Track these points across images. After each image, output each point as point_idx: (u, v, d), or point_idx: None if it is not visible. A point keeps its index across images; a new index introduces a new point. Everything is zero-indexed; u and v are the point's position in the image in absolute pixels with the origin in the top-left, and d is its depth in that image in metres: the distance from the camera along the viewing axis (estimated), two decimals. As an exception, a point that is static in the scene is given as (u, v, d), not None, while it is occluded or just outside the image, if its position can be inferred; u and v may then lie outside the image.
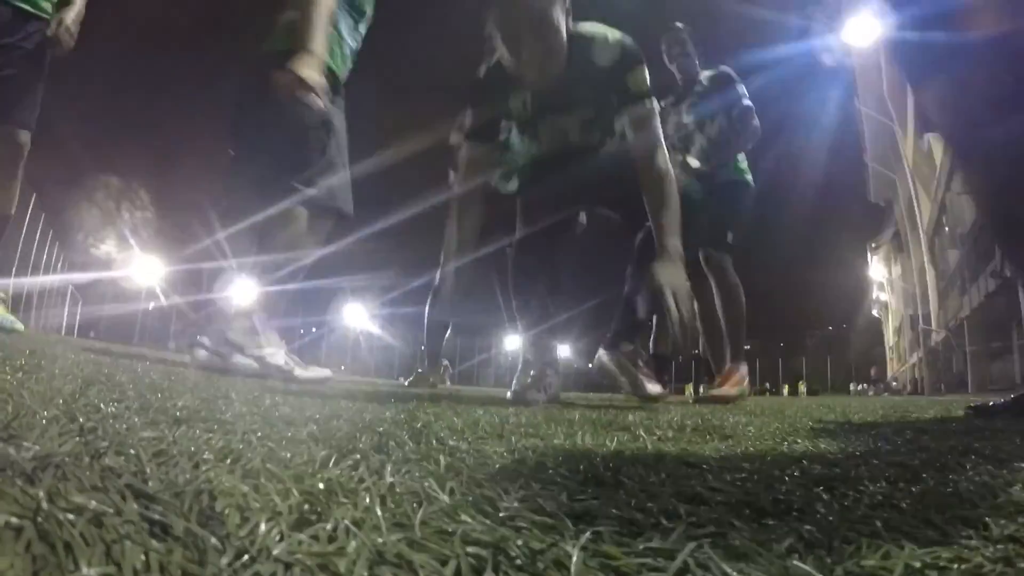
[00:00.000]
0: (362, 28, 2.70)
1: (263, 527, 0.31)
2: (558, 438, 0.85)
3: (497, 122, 2.42)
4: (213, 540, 0.29)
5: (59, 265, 20.22)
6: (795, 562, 0.31)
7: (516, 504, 0.40)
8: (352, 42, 2.64)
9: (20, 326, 3.18)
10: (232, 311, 2.54)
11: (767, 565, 0.31)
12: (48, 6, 2.61)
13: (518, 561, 0.30)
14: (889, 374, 32.46)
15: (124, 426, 0.58)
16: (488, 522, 0.36)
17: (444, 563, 0.29)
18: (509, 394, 2.28)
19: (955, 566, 0.32)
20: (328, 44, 2.36)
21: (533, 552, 0.31)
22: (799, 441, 0.91)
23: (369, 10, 2.69)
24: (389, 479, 0.45)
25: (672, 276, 1.89)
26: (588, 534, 0.34)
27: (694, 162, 3.46)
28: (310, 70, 2.20)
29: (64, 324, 18.64)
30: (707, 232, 3.19)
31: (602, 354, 2.41)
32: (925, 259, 22.38)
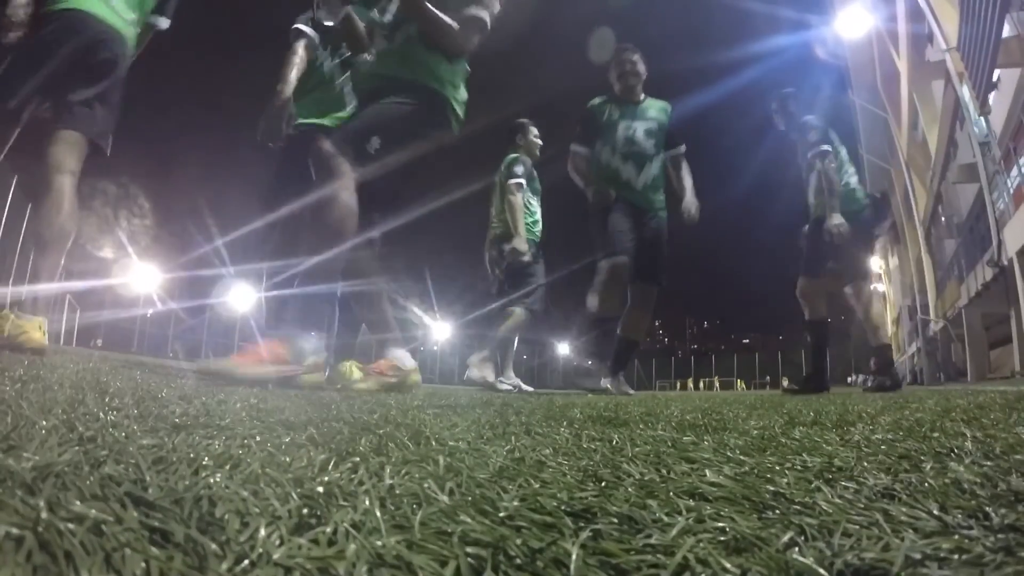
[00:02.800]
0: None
1: (263, 532, 0.31)
2: (557, 435, 0.85)
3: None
4: (213, 546, 0.29)
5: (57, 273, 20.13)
6: (795, 556, 0.31)
7: (515, 503, 0.41)
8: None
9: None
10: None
11: (767, 559, 0.31)
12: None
13: (517, 560, 0.30)
14: (888, 365, 32.46)
15: (123, 434, 0.58)
16: (487, 522, 0.36)
17: (443, 564, 0.29)
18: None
19: (956, 556, 0.32)
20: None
21: (532, 551, 0.31)
22: (798, 434, 0.91)
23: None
24: (388, 481, 0.45)
25: None
26: (587, 532, 0.34)
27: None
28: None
29: (63, 332, 18.61)
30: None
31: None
32: (922, 249, 22.44)
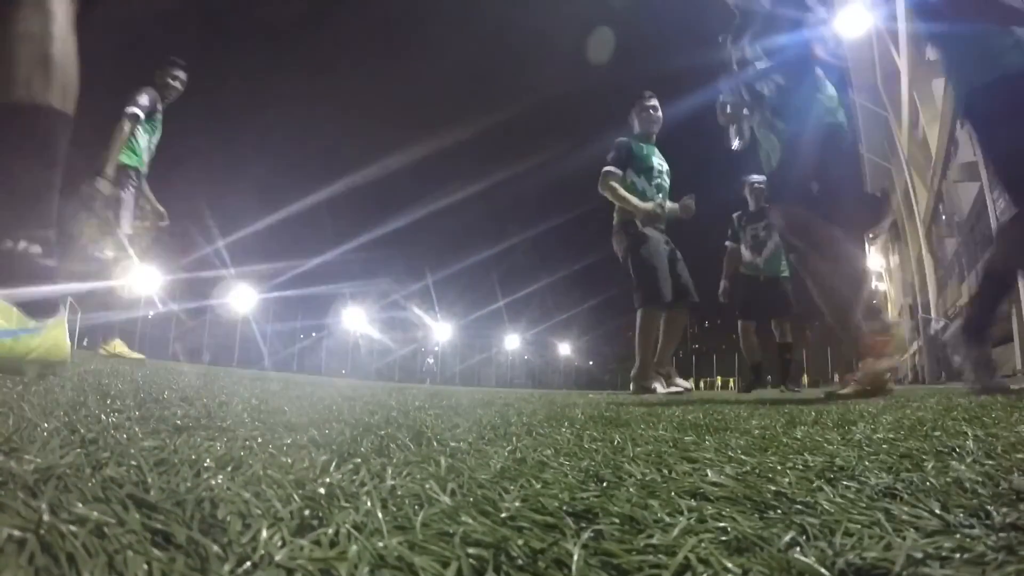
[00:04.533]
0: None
1: (265, 533, 0.31)
2: (559, 436, 0.85)
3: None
4: (215, 548, 0.29)
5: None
6: (797, 555, 0.31)
7: (517, 504, 0.41)
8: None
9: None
10: None
11: (769, 559, 0.31)
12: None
13: (519, 561, 0.30)
14: (890, 363, 32.39)
15: (125, 436, 0.58)
16: (489, 522, 0.36)
17: (445, 565, 0.29)
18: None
19: (957, 555, 0.32)
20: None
21: (534, 552, 0.31)
22: (800, 433, 0.91)
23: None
24: (390, 482, 0.45)
25: None
26: (589, 532, 0.34)
27: None
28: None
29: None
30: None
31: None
32: (923, 248, 22.40)
